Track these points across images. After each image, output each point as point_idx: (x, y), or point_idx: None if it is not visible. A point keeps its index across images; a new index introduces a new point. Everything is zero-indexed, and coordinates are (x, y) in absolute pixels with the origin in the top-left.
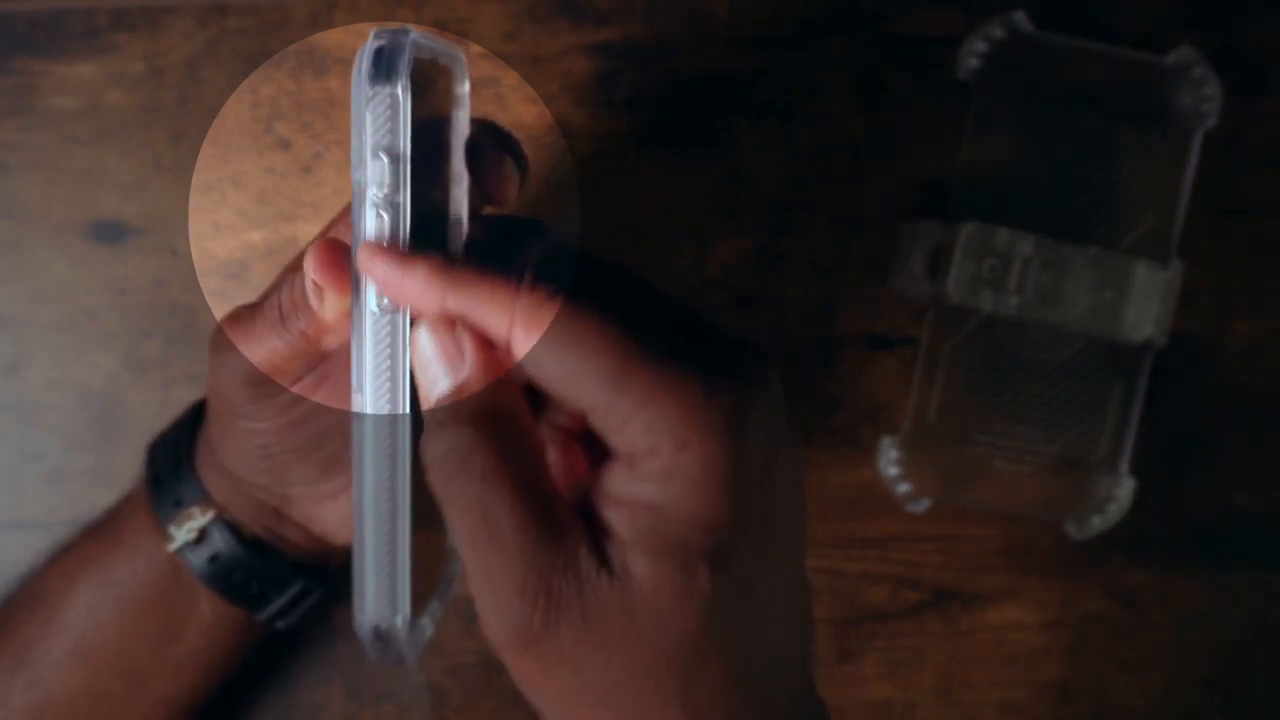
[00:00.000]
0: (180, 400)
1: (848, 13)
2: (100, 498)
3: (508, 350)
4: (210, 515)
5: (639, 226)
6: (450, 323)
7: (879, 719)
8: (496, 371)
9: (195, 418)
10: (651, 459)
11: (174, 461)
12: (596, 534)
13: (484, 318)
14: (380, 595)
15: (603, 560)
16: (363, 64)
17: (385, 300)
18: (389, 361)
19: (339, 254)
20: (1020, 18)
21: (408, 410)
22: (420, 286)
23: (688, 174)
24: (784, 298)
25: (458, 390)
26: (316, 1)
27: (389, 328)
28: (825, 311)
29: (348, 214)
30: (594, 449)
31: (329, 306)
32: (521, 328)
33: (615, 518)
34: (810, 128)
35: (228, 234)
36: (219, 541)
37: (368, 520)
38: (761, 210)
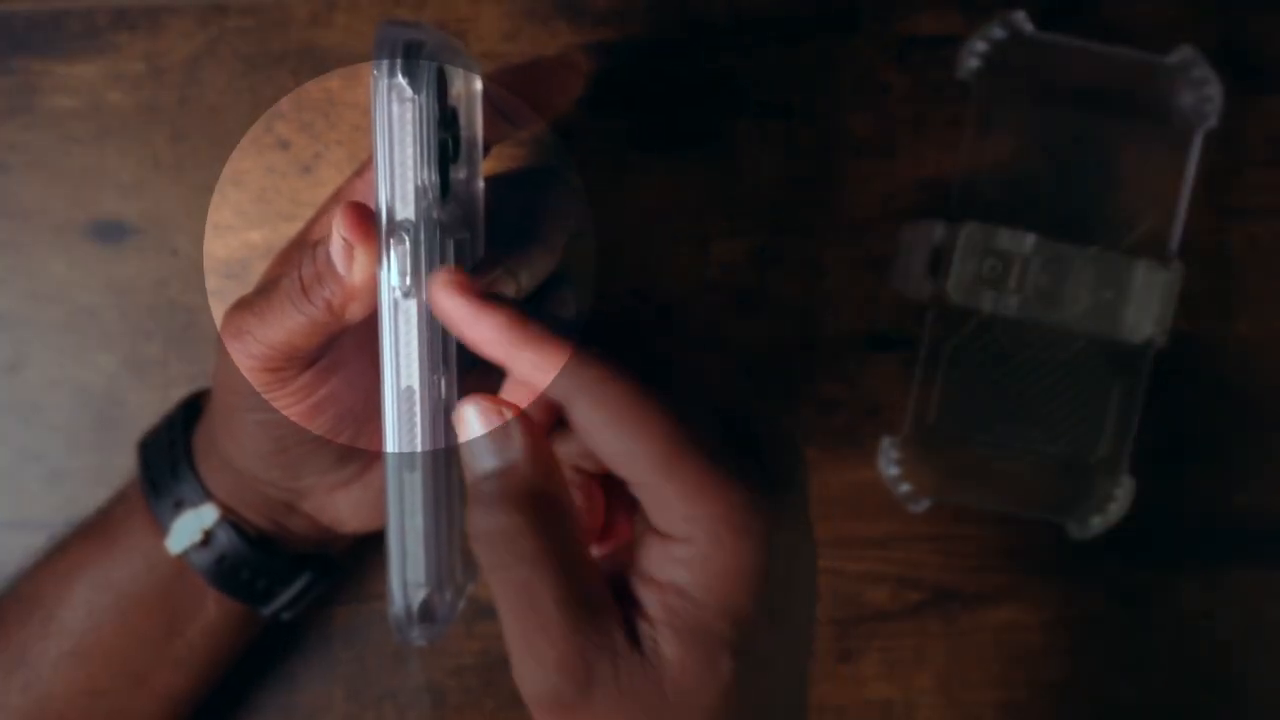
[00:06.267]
0: None
1: (848, 13)
2: (100, 498)
3: (549, 409)
4: (215, 516)
5: (639, 227)
6: (498, 403)
7: (879, 719)
8: (545, 457)
9: (186, 415)
10: (687, 546)
11: (170, 461)
12: (629, 609)
13: (545, 379)
14: (429, 567)
15: (635, 638)
16: (384, 72)
17: (409, 280)
18: (417, 336)
19: (367, 215)
20: (1020, 18)
21: (442, 386)
22: (490, 336)
23: (688, 174)
24: (784, 298)
25: (506, 472)
26: (316, 1)
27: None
28: (825, 311)
29: (356, 180)
30: (612, 487)
31: (359, 268)
32: (585, 400)
33: (647, 596)
34: (810, 128)
35: (228, 234)
36: (225, 542)
37: (409, 495)
38: (761, 210)
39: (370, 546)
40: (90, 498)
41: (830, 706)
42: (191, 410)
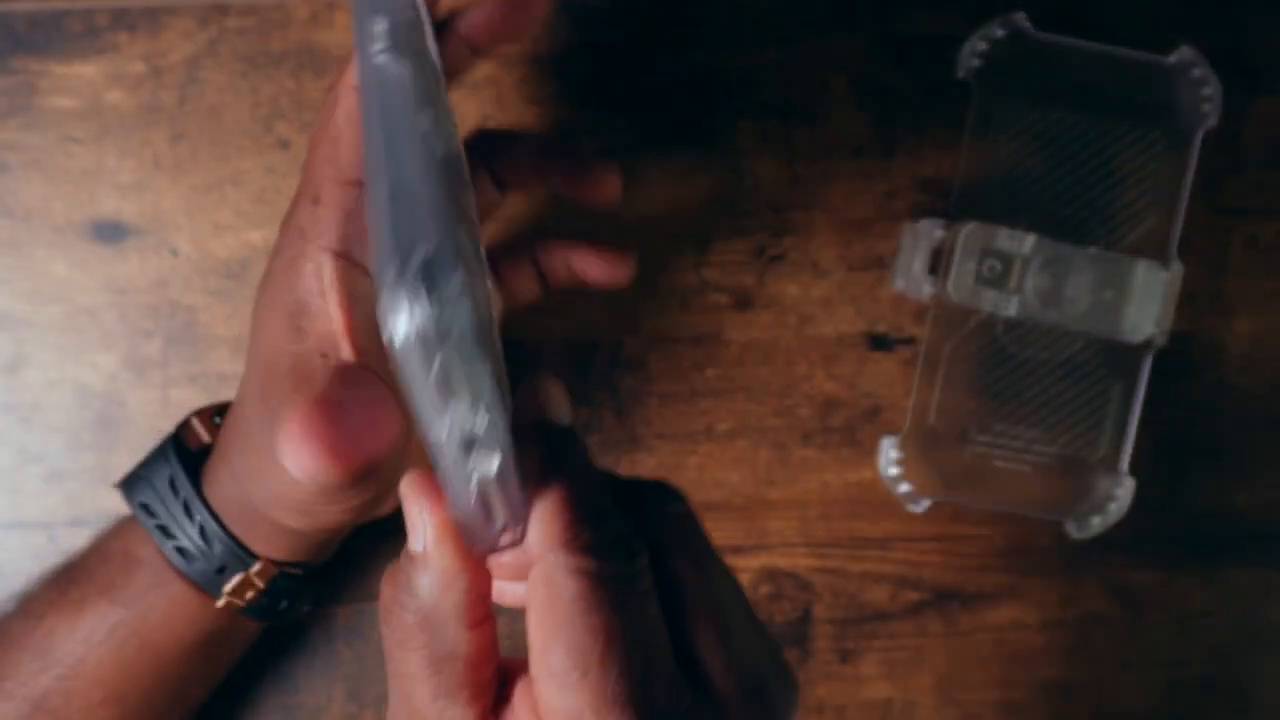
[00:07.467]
0: (180, 400)
1: (848, 13)
2: (100, 498)
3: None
4: (269, 577)
5: (639, 226)
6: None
7: (879, 719)
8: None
9: (188, 472)
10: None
11: (201, 532)
12: None
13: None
14: (431, 221)
15: None
16: None
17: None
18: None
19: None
20: (1020, 18)
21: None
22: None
23: (688, 174)
24: (784, 298)
25: (423, 559)
26: (316, 1)
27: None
28: (825, 311)
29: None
30: None
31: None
32: (559, 594)
33: None
34: (810, 128)
35: (228, 234)
36: (281, 589)
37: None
38: (761, 210)
39: (372, 549)
40: (90, 498)
41: (830, 706)
42: (175, 457)
